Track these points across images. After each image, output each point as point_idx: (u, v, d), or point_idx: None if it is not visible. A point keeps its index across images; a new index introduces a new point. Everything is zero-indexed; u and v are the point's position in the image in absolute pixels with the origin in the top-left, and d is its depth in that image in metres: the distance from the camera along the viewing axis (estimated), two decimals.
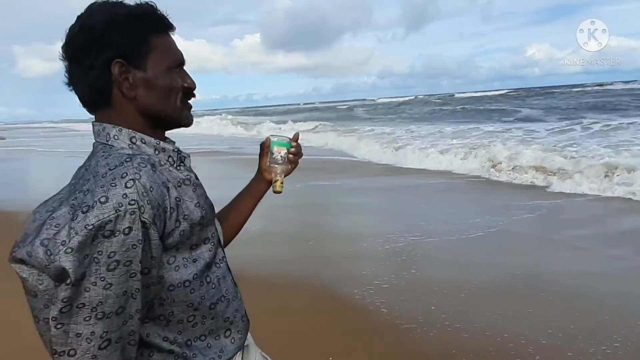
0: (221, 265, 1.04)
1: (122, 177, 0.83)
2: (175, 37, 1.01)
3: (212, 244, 1.01)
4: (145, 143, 0.95)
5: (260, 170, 1.30)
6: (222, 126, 29.87)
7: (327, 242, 5.23)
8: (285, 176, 1.28)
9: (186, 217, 0.92)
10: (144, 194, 0.83)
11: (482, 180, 8.65)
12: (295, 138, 1.30)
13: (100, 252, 0.78)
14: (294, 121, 27.91)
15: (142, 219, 0.81)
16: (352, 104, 69.86)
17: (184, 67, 1.02)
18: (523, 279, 3.96)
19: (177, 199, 0.91)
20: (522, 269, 4.19)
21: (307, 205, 7.14)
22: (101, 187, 0.82)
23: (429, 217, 6.07)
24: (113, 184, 0.82)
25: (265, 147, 1.28)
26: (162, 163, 0.94)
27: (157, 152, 0.95)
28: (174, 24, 1.00)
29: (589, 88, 54.93)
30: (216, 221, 1.10)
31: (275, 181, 1.26)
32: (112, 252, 0.79)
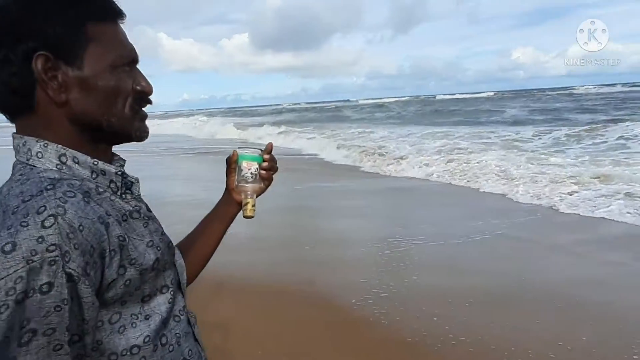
0: (182, 317, 0.82)
1: (39, 213, 0.61)
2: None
3: (171, 292, 0.79)
4: (78, 163, 0.73)
5: (228, 190, 1.08)
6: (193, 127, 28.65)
7: (321, 247, 5.01)
8: (258, 196, 1.07)
9: (134, 261, 0.70)
10: (70, 235, 0.61)
11: (453, 185, 8.42)
12: (269, 149, 1.08)
13: (9, 327, 0.55)
14: (274, 124, 27.13)
15: (68, 269, 0.60)
16: (337, 104, 69.68)
17: (137, 67, 0.81)
18: (529, 286, 3.81)
19: (121, 238, 0.69)
20: (527, 274, 4.05)
21: (298, 208, 6.95)
22: (7, 230, 0.59)
23: (428, 221, 5.92)
24: (24, 224, 0.59)
25: (232, 163, 1.06)
26: (101, 190, 0.73)
27: (94, 176, 0.74)
28: (124, 11, 0.79)
29: (568, 91, 55.80)
30: (177, 255, 0.89)
31: (246, 204, 1.04)
32: (24, 320, 0.56)
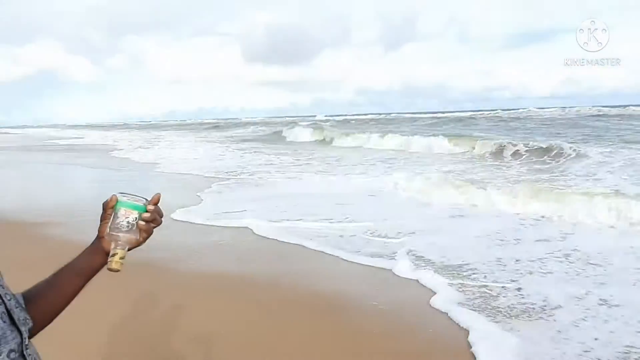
0: None
1: None
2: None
3: None
4: None
5: (98, 239, 0.96)
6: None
7: (310, 256, 4.91)
8: (130, 249, 0.96)
9: None
10: None
11: None
12: (155, 200, 0.98)
13: None
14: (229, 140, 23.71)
15: None
16: (299, 119, 62.42)
17: None
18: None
19: None
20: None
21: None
22: None
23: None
24: None
25: (108, 208, 0.95)
26: None
27: None
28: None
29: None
30: (19, 311, 0.81)
31: (113, 254, 0.94)
32: None
